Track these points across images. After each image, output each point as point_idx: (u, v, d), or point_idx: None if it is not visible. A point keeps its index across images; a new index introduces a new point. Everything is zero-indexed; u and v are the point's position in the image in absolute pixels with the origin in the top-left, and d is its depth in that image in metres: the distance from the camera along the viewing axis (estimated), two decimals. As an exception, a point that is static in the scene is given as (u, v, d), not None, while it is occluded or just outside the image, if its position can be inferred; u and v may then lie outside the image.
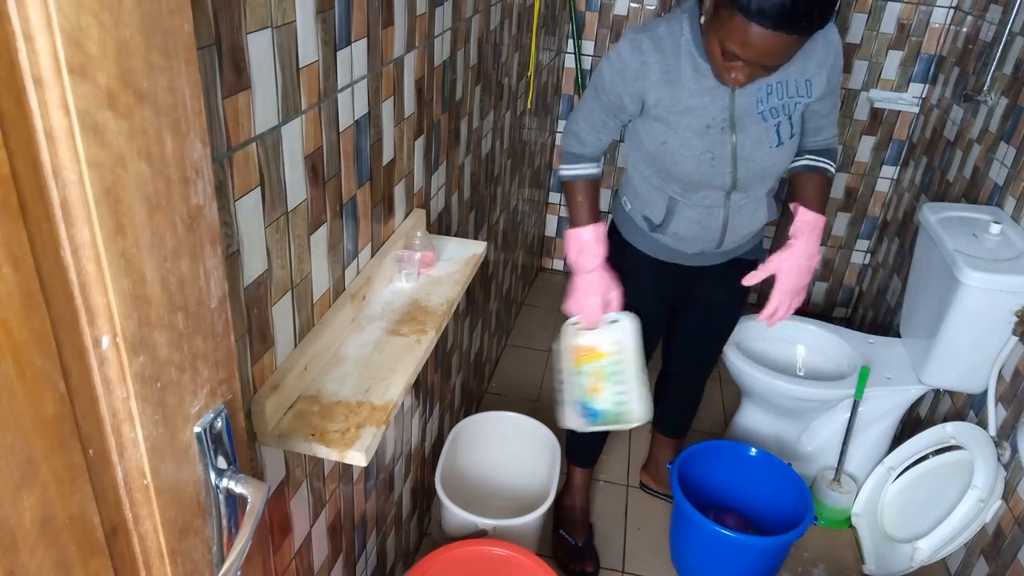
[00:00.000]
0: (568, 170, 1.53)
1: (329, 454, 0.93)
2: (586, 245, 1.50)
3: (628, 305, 1.59)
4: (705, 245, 1.57)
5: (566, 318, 1.58)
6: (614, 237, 1.64)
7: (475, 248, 1.45)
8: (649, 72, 1.34)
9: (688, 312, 1.79)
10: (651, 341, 1.71)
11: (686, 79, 1.35)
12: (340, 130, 1.03)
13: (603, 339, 1.58)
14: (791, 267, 1.50)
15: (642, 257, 1.63)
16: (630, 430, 2.38)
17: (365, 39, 1.06)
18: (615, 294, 1.53)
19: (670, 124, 1.39)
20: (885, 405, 2.03)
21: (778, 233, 2.88)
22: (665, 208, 1.52)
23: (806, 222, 1.49)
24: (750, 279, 1.51)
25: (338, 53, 0.99)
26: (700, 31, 1.30)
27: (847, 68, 2.71)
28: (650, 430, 2.19)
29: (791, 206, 1.54)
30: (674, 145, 1.40)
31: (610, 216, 1.71)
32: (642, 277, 1.64)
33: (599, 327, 1.56)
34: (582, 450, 1.97)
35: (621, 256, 1.62)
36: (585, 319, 1.54)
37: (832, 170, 1.54)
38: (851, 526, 2.10)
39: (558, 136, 3.06)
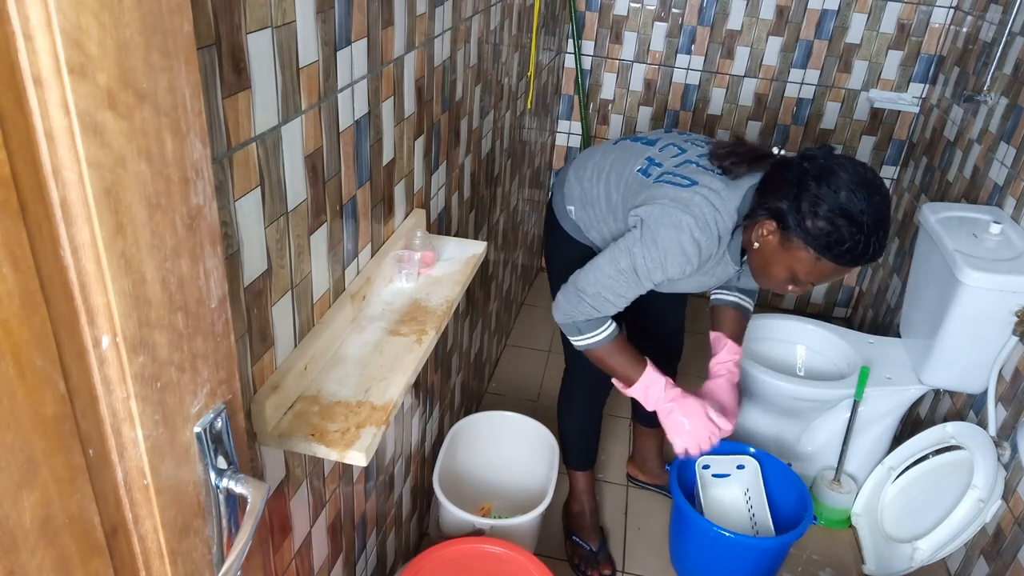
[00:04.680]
0: (593, 337, 1.46)
1: (329, 454, 0.93)
2: (652, 386, 1.47)
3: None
4: None
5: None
6: (556, 231, 1.64)
7: (475, 248, 1.45)
8: (690, 269, 1.36)
9: (649, 298, 1.70)
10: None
11: (710, 264, 1.40)
12: (340, 130, 1.03)
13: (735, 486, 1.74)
14: (731, 386, 1.59)
15: (593, 246, 1.61)
16: (630, 427, 2.38)
17: (365, 39, 1.06)
18: (713, 401, 1.51)
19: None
20: (885, 405, 2.03)
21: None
22: None
23: (732, 351, 1.61)
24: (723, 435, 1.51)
25: (338, 53, 0.99)
26: (742, 247, 1.36)
27: (848, 68, 2.71)
28: (630, 423, 2.17)
29: (712, 336, 1.64)
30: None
31: (547, 207, 1.72)
32: None
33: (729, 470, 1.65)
34: (578, 452, 1.96)
35: (570, 248, 1.62)
36: (705, 444, 1.47)
37: (752, 309, 1.68)
38: (851, 526, 2.10)
39: (558, 136, 3.06)
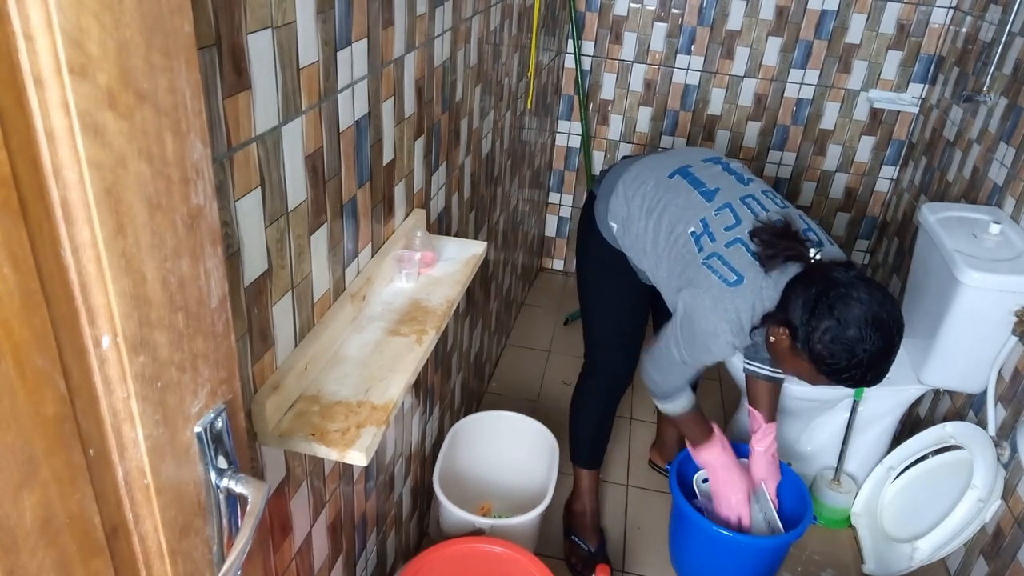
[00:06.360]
0: (672, 405, 1.66)
1: (329, 454, 0.93)
2: (719, 454, 1.73)
3: (614, 296, 1.74)
4: None
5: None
6: (594, 237, 1.69)
7: (475, 248, 1.45)
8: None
9: None
10: (640, 323, 1.85)
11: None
12: (340, 130, 1.03)
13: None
14: (771, 458, 1.79)
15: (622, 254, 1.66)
16: (630, 427, 2.39)
17: (365, 39, 1.06)
18: (750, 479, 1.77)
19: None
20: (885, 405, 2.03)
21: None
22: None
23: (767, 432, 1.78)
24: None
25: (338, 53, 0.99)
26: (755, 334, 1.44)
27: (847, 68, 2.71)
28: (654, 410, 2.19)
29: (749, 409, 1.80)
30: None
31: (586, 210, 1.74)
32: (624, 271, 1.67)
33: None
34: (588, 451, 1.96)
35: (607, 256, 1.68)
36: (734, 515, 1.75)
37: (783, 379, 1.81)
38: (851, 526, 2.10)
39: (558, 136, 3.06)
